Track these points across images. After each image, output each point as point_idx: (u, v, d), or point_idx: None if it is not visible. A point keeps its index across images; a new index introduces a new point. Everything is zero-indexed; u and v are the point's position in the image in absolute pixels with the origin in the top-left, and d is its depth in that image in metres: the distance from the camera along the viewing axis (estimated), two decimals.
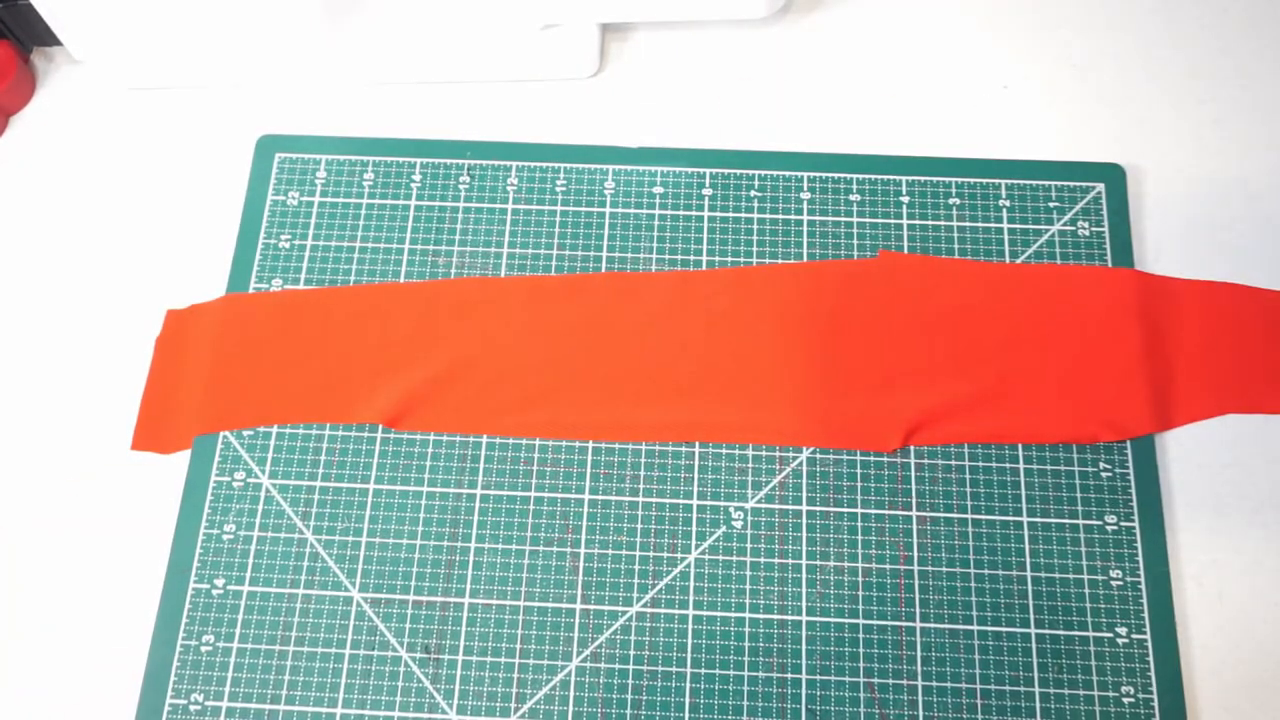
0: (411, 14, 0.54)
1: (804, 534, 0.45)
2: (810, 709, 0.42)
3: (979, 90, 0.53)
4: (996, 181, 0.50)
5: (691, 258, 0.50)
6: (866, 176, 0.51)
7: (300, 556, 0.45)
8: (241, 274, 0.50)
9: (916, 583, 0.44)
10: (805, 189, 0.51)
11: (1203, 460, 0.45)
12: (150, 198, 0.53)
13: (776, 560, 0.44)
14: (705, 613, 0.44)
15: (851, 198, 0.51)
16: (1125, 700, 0.42)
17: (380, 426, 0.47)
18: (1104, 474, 0.45)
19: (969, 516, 0.45)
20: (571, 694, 0.43)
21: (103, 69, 0.54)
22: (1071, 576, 0.44)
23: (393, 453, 0.47)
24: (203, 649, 0.44)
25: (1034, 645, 0.43)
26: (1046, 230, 0.49)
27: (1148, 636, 0.43)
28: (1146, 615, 0.43)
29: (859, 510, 0.45)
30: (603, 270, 0.50)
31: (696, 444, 0.46)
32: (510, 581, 0.44)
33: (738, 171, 0.51)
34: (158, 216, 0.52)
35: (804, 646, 0.43)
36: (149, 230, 0.52)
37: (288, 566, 0.45)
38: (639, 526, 0.45)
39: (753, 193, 0.51)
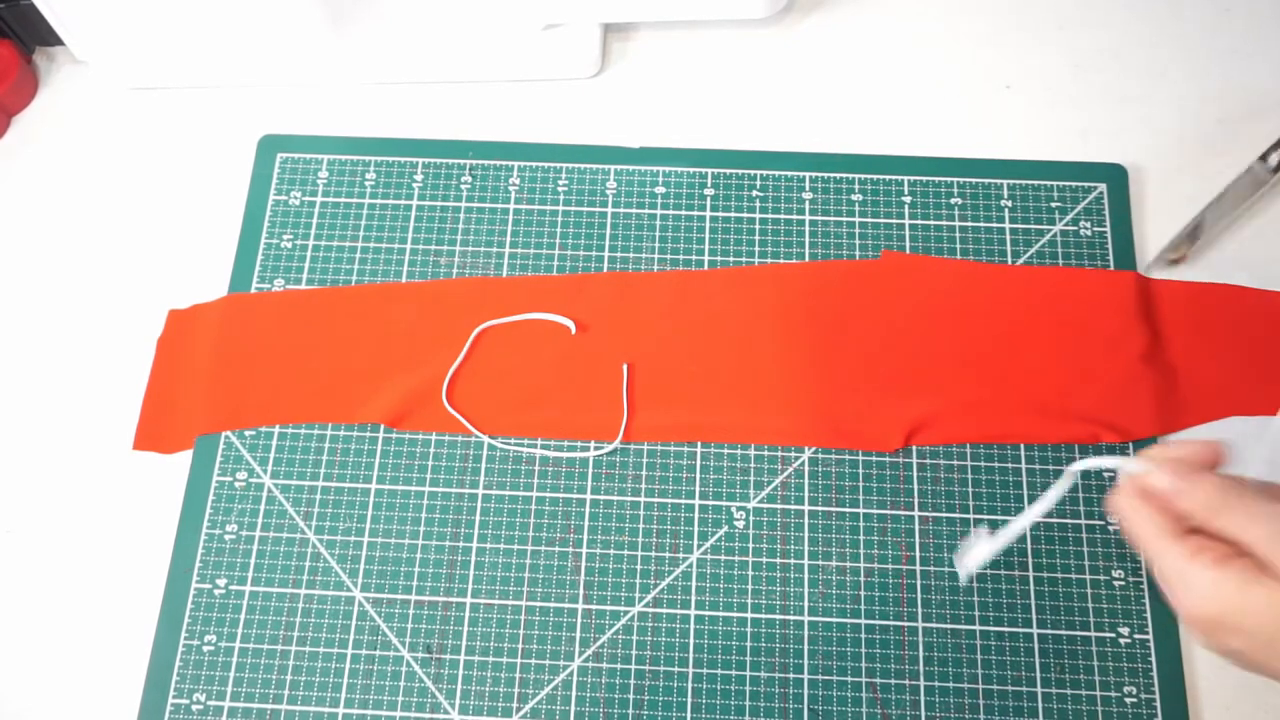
0: (413, 14, 0.54)
1: (806, 534, 0.45)
2: (812, 709, 0.42)
3: (981, 90, 0.53)
4: (999, 181, 0.50)
5: (694, 258, 0.50)
6: (868, 176, 0.51)
7: (302, 556, 0.45)
8: (243, 274, 0.50)
9: (919, 582, 0.44)
10: (807, 189, 0.51)
11: None
12: (152, 198, 0.53)
13: (778, 560, 0.44)
14: (707, 613, 0.44)
15: (853, 198, 0.51)
16: (1127, 700, 0.42)
17: (382, 426, 0.47)
18: (1106, 474, 0.45)
19: (971, 516, 0.45)
20: (574, 694, 0.43)
21: (105, 69, 0.54)
22: (1074, 576, 0.44)
23: (394, 453, 0.47)
24: (205, 649, 0.44)
25: (1036, 645, 0.43)
26: (1049, 230, 0.49)
27: (1150, 636, 0.43)
28: (1149, 615, 0.43)
29: (861, 510, 0.45)
30: (605, 270, 0.50)
31: (698, 444, 0.46)
32: (512, 581, 0.44)
33: (740, 171, 0.51)
34: (159, 216, 0.52)
35: (806, 646, 0.43)
36: (151, 230, 0.52)
37: (290, 566, 0.45)
38: (641, 526, 0.45)
39: (755, 193, 0.51)
